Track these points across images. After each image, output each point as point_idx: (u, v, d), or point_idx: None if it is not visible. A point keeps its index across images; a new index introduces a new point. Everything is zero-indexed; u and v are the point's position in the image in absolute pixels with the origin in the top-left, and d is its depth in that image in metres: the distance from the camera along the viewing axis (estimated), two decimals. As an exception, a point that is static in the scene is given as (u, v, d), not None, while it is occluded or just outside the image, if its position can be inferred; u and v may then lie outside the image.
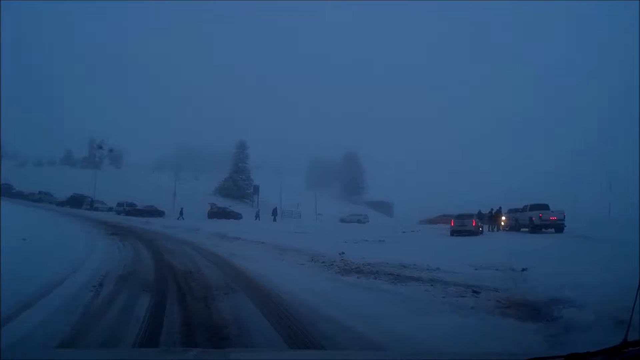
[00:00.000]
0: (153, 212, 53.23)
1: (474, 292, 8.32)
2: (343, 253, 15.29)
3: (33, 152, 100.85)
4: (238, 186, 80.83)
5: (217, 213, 56.84)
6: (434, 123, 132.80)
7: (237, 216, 56.68)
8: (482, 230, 29.22)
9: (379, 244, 21.61)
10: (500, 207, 32.25)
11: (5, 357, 2.44)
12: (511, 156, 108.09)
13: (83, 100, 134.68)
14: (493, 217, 32.10)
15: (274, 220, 51.66)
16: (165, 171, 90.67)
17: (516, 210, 30.81)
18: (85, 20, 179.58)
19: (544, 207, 28.44)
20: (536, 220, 27.53)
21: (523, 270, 10.92)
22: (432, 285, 9.22)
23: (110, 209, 55.73)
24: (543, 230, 27.22)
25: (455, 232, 27.62)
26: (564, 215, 27.47)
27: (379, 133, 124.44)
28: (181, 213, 51.78)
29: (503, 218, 31.87)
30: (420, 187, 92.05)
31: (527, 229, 28.14)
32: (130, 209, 53.52)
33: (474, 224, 27.79)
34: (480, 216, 31.44)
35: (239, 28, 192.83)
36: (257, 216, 55.18)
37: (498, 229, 31.13)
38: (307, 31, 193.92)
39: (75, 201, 56.77)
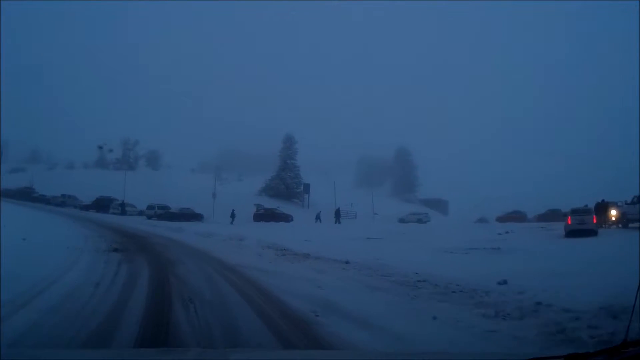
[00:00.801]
0: (189, 216, 45.98)
1: None
2: (504, 282, 9.19)
3: (68, 156, 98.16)
4: (286, 185, 73.96)
5: (264, 215, 49.23)
6: (489, 116, 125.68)
7: (287, 218, 48.97)
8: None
9: (496, 253, 16.70)
10: (603, 200, 27.69)
11: (5, 357, 2.32)
12: (573, 152, 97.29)
13: (120, 101, 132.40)
14: (603, 212, 26.88)
15: (338, 222, 45.66)
16: (206, 173, 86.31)
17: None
18: (124, 21, 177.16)
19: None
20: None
21: None
22: None
23: (140, 213, 48.60)
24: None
25: (572, 233, 22.55)
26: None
27: (431, 128, 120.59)
28: (232, 216, 44.06)
29: (614, 212, 27.09)
30: (475, 184, 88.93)
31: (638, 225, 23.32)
32: (163, 213, 46.18)
33: (594, 221, 23.23)
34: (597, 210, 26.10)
35: (282, 26, 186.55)
36: (318, 218, 48.52)
37: (609, 226, 26.94)
38: (354, 27, 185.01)
39: (101, 204, 50.13)
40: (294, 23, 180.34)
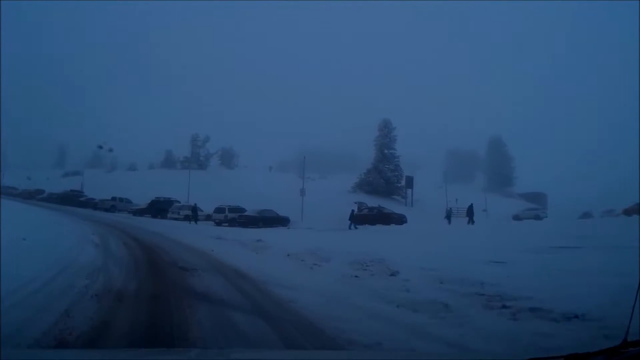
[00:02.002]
0: (271, 220, 35.53)
1: None
2: None
3: (134, 158, 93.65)
4: (385, 179, 64.23)
5: (369, 216, 37.67)
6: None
7: (400, 219, 37.41)
8: None
9: None
10: None
11: (5, 357, 2.31)
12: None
13: (189, 100, 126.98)
14: None
15: (472, 222, 35.07)
16: (285, 172, 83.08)
17: None
18: (189, 17, 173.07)
19: None
20: None
21: None
22: None
23: (208, 217, 37.38)
24: None
25: None
26: None
27: (525, 117, 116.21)
28: (352, 218, 33.60)
29: None
30: (576, 176, 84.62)
31: None
32: (236, 217, 34.88)
33: None
34: None
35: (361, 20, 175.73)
36: (448, 216, 38.85)
37: None
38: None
39: (157, 208, 39.59)
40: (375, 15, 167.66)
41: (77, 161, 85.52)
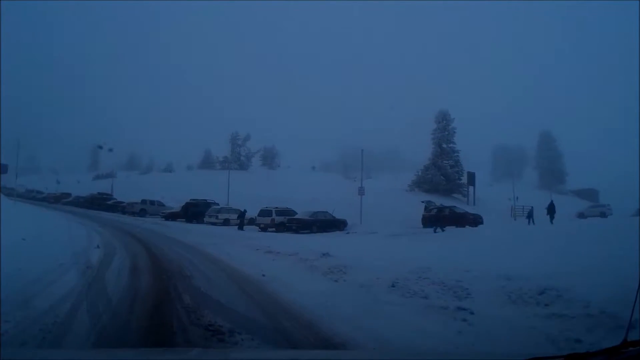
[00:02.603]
0: (327, 224, 30.08)
1: None
2: None
3: (173, 159, 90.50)
4: (445, 175, 59.12)
5: (441, 218, 30.45)
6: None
7: (475, 220, 30.85)
8: None
9: None
10: None
11: (5, 357, 2.42)
12: None
13: (229, 100, 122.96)
14: None
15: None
16: (329, 172, 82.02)
17: None
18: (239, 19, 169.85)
19: None
20: None
21: None
22: None
23: (251, 221, 31.66)
24: None
25: None
26: None
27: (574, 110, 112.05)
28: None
29: None
30: (624, 171, 73.24)
31: None
32: (285, 221, 29.46)
33: None
34: None
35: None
36: (530, 216, 33.87)
37: None
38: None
39: (192, 211, 34.38)
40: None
41: (112, 164, 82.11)
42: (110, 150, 57.21)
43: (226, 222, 32.76)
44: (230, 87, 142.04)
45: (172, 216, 35.02)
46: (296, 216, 30.55)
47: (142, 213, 38.05)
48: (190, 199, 35.91)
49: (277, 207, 31.46)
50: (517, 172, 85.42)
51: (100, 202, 43.54)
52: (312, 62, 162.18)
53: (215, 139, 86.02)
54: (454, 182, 59.49)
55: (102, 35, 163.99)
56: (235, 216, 33.26)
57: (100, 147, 56.14)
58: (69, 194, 51.78)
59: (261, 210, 31.37)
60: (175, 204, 40.07)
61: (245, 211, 31.72)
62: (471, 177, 58.92)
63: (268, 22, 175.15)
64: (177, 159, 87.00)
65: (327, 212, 31.58)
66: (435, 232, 24.86)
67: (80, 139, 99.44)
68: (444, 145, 60.41)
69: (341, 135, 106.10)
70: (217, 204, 36.33)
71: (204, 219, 33.32)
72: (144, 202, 39.48)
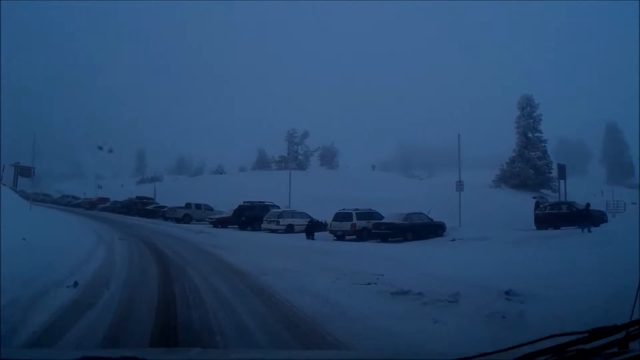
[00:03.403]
0: (425, 228, 23.18)
1: None
2: None
3: (224, 161, 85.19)
4: (534, 168, 51.91)
5: (561, 216, 25.68)
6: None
7: (600, 218, 25.02)
8: None
9: None
10: None
11: (5, 357, 2.33)
12: None
13: (288, 98, 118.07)
14: None
15: None
16: (388, 171, 78.24)
17: None
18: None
19: None
20: None
21: None
22: None
23: (318, 225, 24.65)
24: None
25: None
26: None
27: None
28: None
29: None
30: None
31: None
32: (369, 226, 22.87)
33: None
34: None
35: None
36: None
37: None
38: None
39: (247, 216, 27.62)
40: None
41: (159, 168, 77.66)
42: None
43: (289, 229, 25.76)
44: (284, 84, 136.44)
45: (221, 222, 28.45)
46: (383, 220, 23.15)
47: (186, 219, 31.65)
48: (244, 201, 29.10)
49: (357, 209, 24.10)
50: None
51: (138, 207, 37.71)
52: (369, 57, 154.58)
53: (269, 138, 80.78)
54: (544, 176, 52.38)
55: (147, 39, 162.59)
56: (301, 221, 26.19)
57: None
58: (106, 199, 46.66)
59: (337, 214, 23.99)
60: (225, 208, 33.54)
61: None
62: (562, 170, 50.94)
63: (320, 19, 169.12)
64: (228, 160, 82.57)
65: (422, 213, 24.13)
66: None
67: (127, 144, 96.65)
68: (530, 135, 52.85)
69: (399, 132, 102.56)
70: (277, 207, 29.33)
71: (262, 224, 26.42)
72: (188, 206, 33.09)
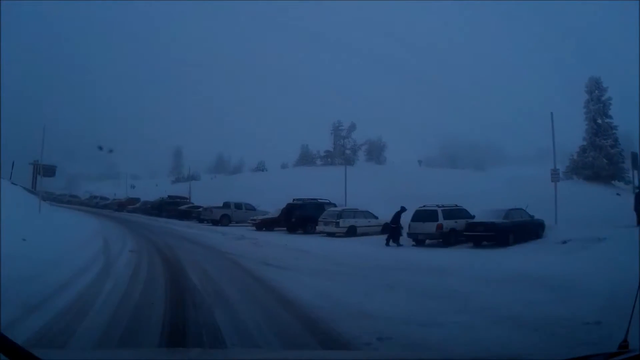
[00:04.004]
0: (525, 229, 18.24)
1: None
2: None
3: (263, 157, 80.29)
4: (608, 157, 46.15)
5: None
6: None
7: None
8: None
9: None
10: None
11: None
12: None
13: (331, 90, 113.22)
14: None
15: None
16: (433, 167, 71.31)
17: None
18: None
19: None
20: None
21: None
22: None
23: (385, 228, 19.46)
24: None
25: None
26: None
27: None
28: None
29: None
30: None
31: None
32: (460, 228, 17.41)
33: None
34: None
35: None
36: None
37: None
38: None
39: (299, 216, 22.72)
40: None
41: (196, 167, 73.92)
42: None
43: (351, 232, 20.70)
44: (326, 77, 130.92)
45: (266, 224, 23.70)
46: (475, 219, 17.86)
47: (224, 220, 26.95)
48: (294, 199, 24.14)
49: (443, 205, 18.83)
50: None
51: (170, 208, 33.30)
52: (416, 49, 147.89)
53: (313, 132, 76.31)
54: (617, 166, 47.08)
55: (184, 38, 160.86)
56: (364, 222, 21.24)
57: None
58: (136, 200, 42.73)
59: (418, 212, 18.64)
60: (270, 207, 28.77)
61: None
62: (635, 159, 45.13)
63: (365, 16, 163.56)
64: (269, 158, 78.11)
65: (521, 209, 18.86)
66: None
67: (164, 144, 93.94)
68: (599, 121, 47.15)
69: (444, 127, 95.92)
70: (334, 205, 24.27)
71: (317, 226, 21.45)
72: (226, 205, 28.38)
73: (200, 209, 29.58)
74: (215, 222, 26.87)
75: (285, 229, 23.08)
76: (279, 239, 18.52)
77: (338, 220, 21.10)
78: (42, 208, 22.59)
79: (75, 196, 53.52)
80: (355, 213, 22.10)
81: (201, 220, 28.26)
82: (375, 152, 74.03)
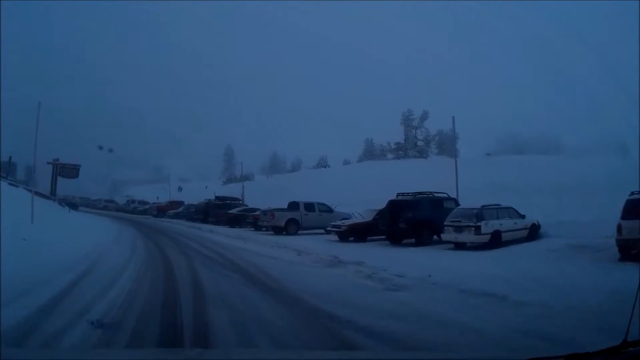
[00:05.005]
0: None
1: None
2: None
3: (324, 152, 73.27)
4: None
5: None
6: None
7: None
8: None
9: None
10: None
11: (5, 357, 2.39)
12: None
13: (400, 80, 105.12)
14: None
15: None
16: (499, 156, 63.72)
17: None
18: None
19: None
20: None
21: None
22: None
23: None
24: None
25: None
26: None
27: None
28: None
29: None
30: None
31: None
32: None
33: None
34: None
35: None
36: None
37: None
38: None
39: (411, 216, 14.80)
40: None
41: (250, 167, 67.79)
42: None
43: (495, 240, 12.85)
44: (393, 63, 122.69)
45: (356, 232, 15.96)
46: None
47: (291, 227, 19.29)
48: (398, 194, 16.14)
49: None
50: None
51: (218, 212, 26.02)
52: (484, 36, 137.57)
53: (378, 125, 68.50)
54: None
55: (236, 37, 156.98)
56: (510, 224, 13.53)
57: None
58: (179, 203, 35.99)
59: (631, 202, 10.63)
60: (345, 207, 21.17)
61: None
62: None
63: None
64: (330, 154, 70.61)
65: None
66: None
67: (215, 146, 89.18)
68: None
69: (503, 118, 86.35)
70: (454, 200, 16.30)
71: (442, 234, 13.70)
72: (293, 206, 20.54)
73: (258, 213, 22.03)
74: (277, 230, 19.40)
75: (383, 237, 15.44)
76: (395, 262, 10.71)
77: (478, 224, 13.17)
78: (49, 215, 16.06)
79: (112, 201, 48.12)
80: (498, 211, 14.14)
81: (258, 227, 20.86)
82: (447, 144, 65.67)
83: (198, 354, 2.89)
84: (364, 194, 30.04)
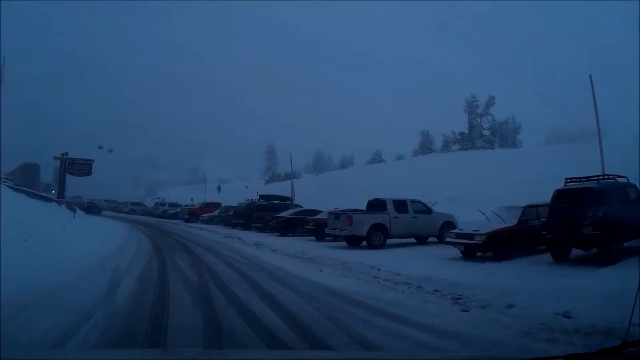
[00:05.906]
0: None
1: None
2: None
3: (379, 147, 68.81)
4: None
5: None
6: None
7: None
8: None
9: None
10: None
11: (5, 357, 2.32)
12: None
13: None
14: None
15: None
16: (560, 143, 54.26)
17: None
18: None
19: None
20: None
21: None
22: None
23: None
24: None
25: None
26: None
27: None
28: None
29: None
30: None
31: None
32: None
33: None
34: None
35: None
36: None
37: None
38: None
39: (602, 218, 8.51)
40: None
41: (294, 166, 63.52)
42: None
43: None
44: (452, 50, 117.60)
45: (501, 243, 9.78)
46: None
47: (376, 238, 13.12)
48: (567, 180, 9.84)
49: None
50: None
51: (263, 215, 20.10)
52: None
53: (435, 115, 63.10)
54: None
55: (276, 38, 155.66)
56: None
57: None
58: (215, 205, 30.69)
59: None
60: (440, 207, 15.15)
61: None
62: None
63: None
64: (382, 148, 65.68)
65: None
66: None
67: (255, 145, 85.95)
68: None
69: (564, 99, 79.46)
70: (635, 188, 9.96)
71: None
72: (376, 205, 14.01)
73: (320, 216, 16.07)
74: (354, 241, 13.42)
75: (551, 254, 9.33)
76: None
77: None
78: (29, 225, 10.75)
79: (140, 204, 44.43)
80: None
81: (322, 236, 14.93)
82: (509, 134, 58.57)
83: (198, 354, 2.77)
84: (420, 189, 24.29)
